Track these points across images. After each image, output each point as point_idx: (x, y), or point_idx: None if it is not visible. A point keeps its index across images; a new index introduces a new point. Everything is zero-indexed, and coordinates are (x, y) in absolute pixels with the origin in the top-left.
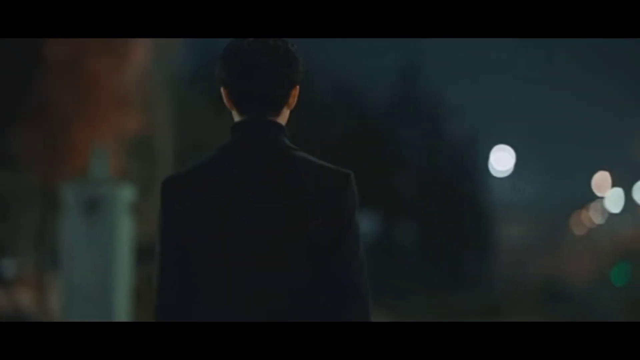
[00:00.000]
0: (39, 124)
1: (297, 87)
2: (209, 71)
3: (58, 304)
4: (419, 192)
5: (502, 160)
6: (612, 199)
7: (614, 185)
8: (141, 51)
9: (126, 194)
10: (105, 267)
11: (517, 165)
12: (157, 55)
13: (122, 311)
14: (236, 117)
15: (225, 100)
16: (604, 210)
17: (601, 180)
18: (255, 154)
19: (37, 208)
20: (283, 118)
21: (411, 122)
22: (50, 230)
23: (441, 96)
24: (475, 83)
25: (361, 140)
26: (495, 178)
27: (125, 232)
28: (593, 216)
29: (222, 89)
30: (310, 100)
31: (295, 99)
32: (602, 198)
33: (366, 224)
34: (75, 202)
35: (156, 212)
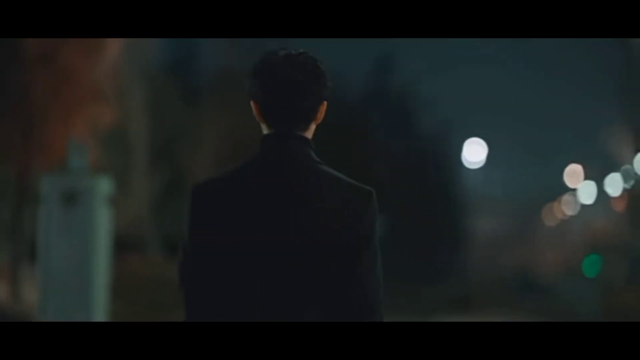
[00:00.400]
0: (14, 118)
1: (325, 103)
2: (182, 64)
3: (34, 297)
4: (392, 184)
5: (474, 152)
6: (584, 191)
7: (586, 177)
8: (115, 45)
9: (104, 186)
10: (83, 259)
11: (489, 157)
12: (130, 49)
13: (100, 303)
14: (265, 131)
15: (255, 113)
16: (575, 202)
17: (573, 173)
18: (283, 167)
19: (12, 201)
20: (310, 133)
21: (385, 115)
22: (27, 223)
23: (415, 89)
24: (449, 76)
25: (334, 133)
26: (468, 170)
27: (103, 224)
28: (565, 208)
29: (252, 103)
30: None
31: (323, 114)
32: (574, 190)
33: None
34: (54, 194)
35: (132, 203)
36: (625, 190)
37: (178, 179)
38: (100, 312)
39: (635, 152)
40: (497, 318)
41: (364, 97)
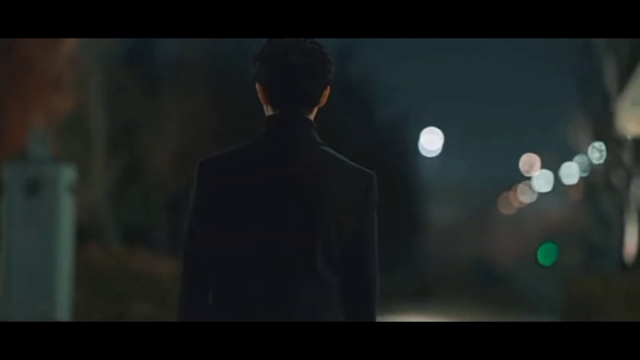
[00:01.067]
0: None
1: (328, 87)
2: (141, 53)
3: None
4: None
5: (431, 141)
6: (540, 180)
7: (542, 166)
8: None
9: (67, 174)
10: (47, 248)
11: (445, 146)
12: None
13: (63, 293)
14: (268, 112)
15: (260, 95)
16: (531, 191)
17: (529, 162)
18: (287, 147)
19: None
20: (313, 115)
21: (344, 105)
22: None
23: (373, 79)
24: (406, 67)
25: None
26: (425, 158)
27: (66, 213)
28: (521, 197)
29: (257, 86)
30: (243, 83)
31: (326, 98)
32: (529, 179)
33: None
34: (16, 183)
35: (90, 192)
36: (581, 178)
37: (136, 168)
38: (64, 302)
39: (591, 141)
40: (454, 306)
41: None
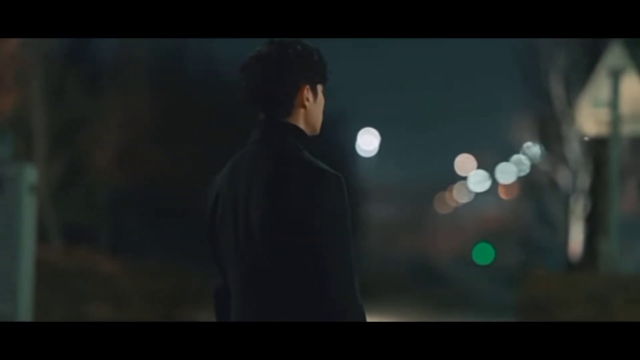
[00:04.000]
0: None
1: (305, 86)
2: (82, 51)
3: None
4: None
5: (368, 141)
6: (475, 180)
7: (479, 166)
8: None
9: (29, 174)
10: (10, 248)
11: (382, 146)
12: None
13: (25, 292)
14: None
15: None
16: (467, 191)
17: (464, 162)
18: (260, 152)
19: None
20: (296, 118)
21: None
22: None
23: None
24: (343, 67)
25: (231, 119)
26: (362, 158)
27: (28, 212)
28: (457, 196)
29: None
30: (179, 83)
31: (309, 98)
32: (465, 179)
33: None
34: None
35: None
36: (518, 178)
37: (78, 167)
38: (25, 300)
39: (533, 141)
40: (393, 305)
41: None
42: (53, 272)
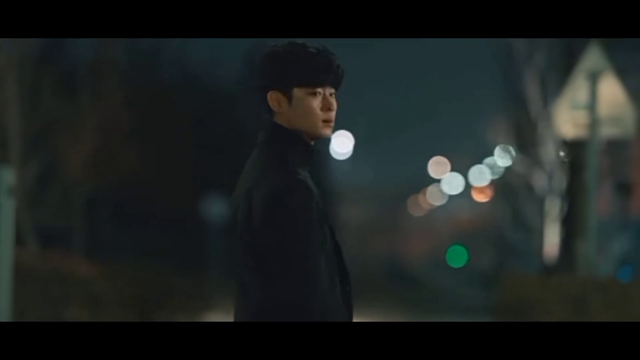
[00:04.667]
0: None
1: (272, 93)
2: (58, 53)
3: None
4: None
5: (342, 144)
6: (448, 182)
7: (452, 169)
8: None
9: (7, 177)
10: None
11: (356, 148)
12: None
13: (3, 296)
14: None
15: None
16: (441, 194)
17: (438, 164)
18: (253, 154)
19: None
20: (281, 118)
21: (256, 107)
22: None
23: None
24: None
25: (206, 121)
26: (336, 161)
27: (7, 216)
28: (430, 199)
29: None
30: (153, 86)
31: (281, 103)
32: (439, 181)
33: (215, 206)
34: None
35: None
36: (492, 181)
37: (53, 169)
38: (5, 306)
39: (508, 144)
40: (367, 308)
41: (237, 87)
42: (29, 275)
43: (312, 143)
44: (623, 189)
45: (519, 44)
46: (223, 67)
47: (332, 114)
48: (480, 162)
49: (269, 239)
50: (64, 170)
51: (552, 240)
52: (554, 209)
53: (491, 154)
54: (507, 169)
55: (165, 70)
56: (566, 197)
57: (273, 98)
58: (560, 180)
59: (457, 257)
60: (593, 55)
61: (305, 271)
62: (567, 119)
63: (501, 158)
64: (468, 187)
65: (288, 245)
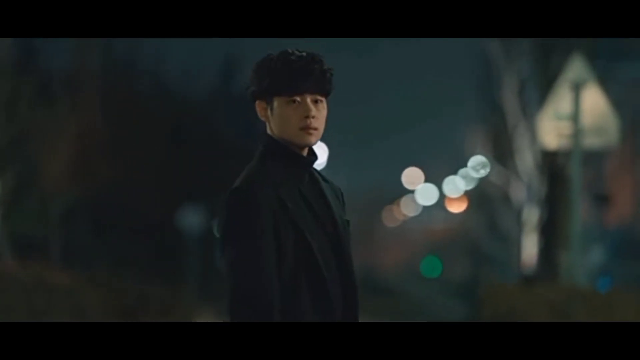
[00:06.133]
0: None
1: (259, 102)
2: (35, 62)
3: None
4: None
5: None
6: (423, 193)
7: (426, 180)
8: None
9: None
10: None
11: (330, 159)
12: None
13: None
14: None
15: None
16: (415, 204)
17: (412, 175)
18: None
19: None
20: (270, 127)
21: (230, 115)
22: None
23: None
24: None
25: (183, 131)
26: None
27: None
28: (404, 209)
29: None
30: (129, 96)
31: (263, 112)
32: (413, 192)
33: (192, 215)
34: None
35: None
36: (466, 191)
37: (30, 179)
38: None
39: (486, 155)
40: None
41: (211, 99)
42: (6, 285)
43: (304, 152)
44: (600, 199)
45: (497, 53)
46: (199, 76)
47: (310, 121)
48: (454, 172)
49: (219, 250)
50: (41, 179)
51: (530, 250)
52: (532, 218)
53: (465, 165)
54: (482, 179)
55: (141, 80)
56: (545, 207)
57: (259, 107)
58: (539, 190)
59: (432, 268)
60: (576, 66)
61: (237, 270)
62: (551, 130)
63: (475, 169)
64: (442, 197)
65: (226, 252)
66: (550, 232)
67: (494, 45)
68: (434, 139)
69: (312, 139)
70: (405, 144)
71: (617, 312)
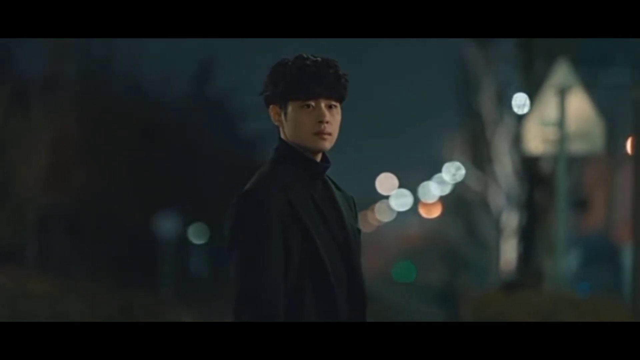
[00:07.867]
0: None
1: (272, 107)
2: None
3: None
4: (213, 190)
5: None
6: (397, 199)
7: (401, 186)
8: None
9: None
10: None
11: None
12: None
13: None
14: None
15: None
16: (389, 210)
17: (385, 181)
18: None
19: None
20: (284, 132)
21: (208, 120)
22: None
23: (238, 94)
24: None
25: (160, 136)
26: None
27: None
28: (379, 215)
29: None
30: (104, 101)
31: (276, 117)
32: (387, 197)
33: (168, 221)
34: None
35: None
36: (440, 197)
37: (5, 186)
38: None
39: (463, 161)
40: None
41: (186, 104)
42: None
43: (318, 158)
44: (579, 205)
45: (476, 58)
46: (176, 81)
47: (324, 126)
48: (429, 178)
49: (227, 252)
50: (17, 185)
51: (509, 255)
52: (511, 224)
53: (440, 170)
54: (459, 184)
55: (117, 85)
56: (525, 212)
57: (273, 112)
58: (519, 195)
59: (405, 273)
60: (561, 72)
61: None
62: (536, 135)
63: (450, 174)
64: (417, 203)
65: (233, 253)
66: (530, 238)
67: (472, 51)
68: (409, 144)
69: (326, 144)
70: (379, 150)
71: (604, 318)
